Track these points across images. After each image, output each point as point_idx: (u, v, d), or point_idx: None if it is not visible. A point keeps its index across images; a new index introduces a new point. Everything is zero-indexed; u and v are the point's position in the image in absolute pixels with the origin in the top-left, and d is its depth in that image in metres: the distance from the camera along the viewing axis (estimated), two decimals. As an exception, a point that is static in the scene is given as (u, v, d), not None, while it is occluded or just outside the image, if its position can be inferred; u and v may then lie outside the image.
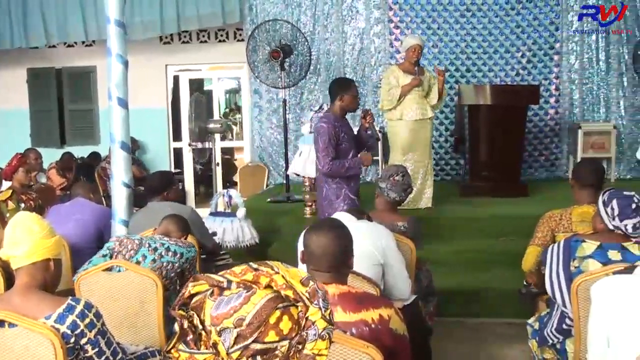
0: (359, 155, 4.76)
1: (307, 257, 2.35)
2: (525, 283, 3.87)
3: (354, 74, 8.56)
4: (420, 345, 3.65)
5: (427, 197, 6.48)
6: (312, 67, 8.35)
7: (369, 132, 4.87)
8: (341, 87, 4.85)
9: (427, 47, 8.17)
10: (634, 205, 2.88)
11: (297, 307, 1.45)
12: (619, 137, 8.33)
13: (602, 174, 3.83)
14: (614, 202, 2.92)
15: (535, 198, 6.95)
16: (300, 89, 8.54)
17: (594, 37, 8.40)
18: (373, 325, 2.21)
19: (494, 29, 8.46)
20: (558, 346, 3.08)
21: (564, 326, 3.01)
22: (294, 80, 7.45)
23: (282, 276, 1.46)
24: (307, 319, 1.44)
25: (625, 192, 2.96)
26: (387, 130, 6.77)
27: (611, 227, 2.95)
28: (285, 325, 1.42)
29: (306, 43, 7.64)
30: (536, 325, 3.34)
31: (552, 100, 8.55)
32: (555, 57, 8.51)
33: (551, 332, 3.08)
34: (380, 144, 8.23)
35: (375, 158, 8.31)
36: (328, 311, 1.46)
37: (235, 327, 1.41)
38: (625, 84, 8.40)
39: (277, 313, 1.42)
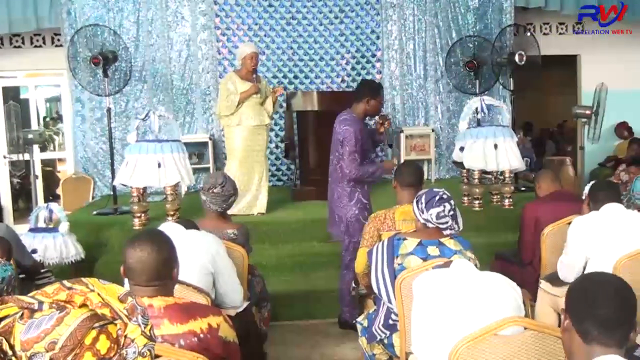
0: (383, 162, 4.80)
1: (127, 272, 2.25)
2: (354, 285, 3.98)
3: (182, 81, 8.43)
4: (255, 351, 3.65)
5: (262, 203, 6.51)
6: (137, 74, 8.11)
7: (381, 137, 4.92)
8: (371, 90, 4.80)
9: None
10: (437, 197, 3.09)
11: (115, 325, 1.38)
12: (438, 139, 8.87)
13: (421, 174, 4.03)
14: (423, 196, 3.13)
15: (363, 200, 7.20)
16: (125, 96, 8.24)
17: (411, 45, 8.88)
18: (202, 335, 2.18)
19: (319, 37, 8.69)
20: (386, 341, 3.20)
21: (390, 321, 3.14)
22: (118, 87, 7.17)
23: (98, 294, 1.39)
24: (126, 337, 1.38)
25: (434, 189, 3.16)
26: (223, 136, 6.70)
27: (422, 221, 3.13)
28: (103, 345, 1.35)
29: (129, 49, 7.40)
30: (365, 323, 3.45)
31: (375, 105, 8.91)
32: (378, 65, 8.90)
33: (378, 328, 3.19)
34: (210, 149, 8.19)
35: (206, 166, 8.26)
36: (148, 327, 1.41)
37: (48, 351, 1.32)
38: (442, 89, 8.95)
39: (94, 333, 1.34)
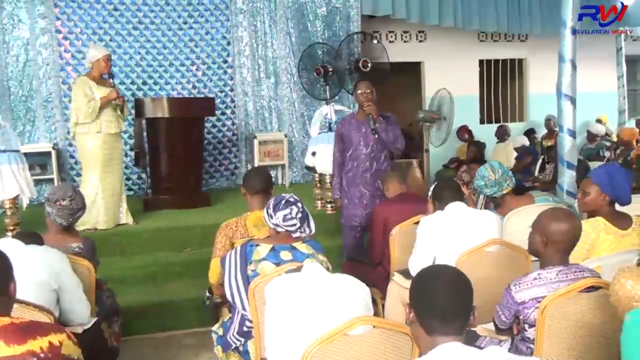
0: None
1: None
2: (208, 294, 3.92)
3: (20, 87, 7.92)
4: (106, 369, 3.50)
5: (125, 211, 6.27)
6: (-31, 80, 7.55)
7: (371, 126, 5.09)
8: (354, 87, 5.41)
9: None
10: (284, 201, 3.13)
11: None
12: (291, 145, 8.96)
13: (269, 180, 4.04)
14: (271, 202, 3.15)
15: (218, 207, 7.15)
16: (-42, 104, 7.66)
17: (263, 51, 8.92)
18: (42, 355, 2.04)
19: (168, 42, 8.52)
20: (241, 349, 3.17)
21: (245, 329, 3.11)
22: (-52, 94, 6.65)
23: None
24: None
25: (283, 194, 3.20)
26: (70, 145, 6.33)
27: (272, 226, 3.15)
28: None
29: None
30: (220, 332, 3.40)
31: (228, 111, 8.89)
32: (229, 71, 8.86)
33: (233, 336, 3.16)
34: (54, 159, 7.77)
35: (50, 177, 7.82)
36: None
37: None
38: (294, 95, 9.06)
39: None
